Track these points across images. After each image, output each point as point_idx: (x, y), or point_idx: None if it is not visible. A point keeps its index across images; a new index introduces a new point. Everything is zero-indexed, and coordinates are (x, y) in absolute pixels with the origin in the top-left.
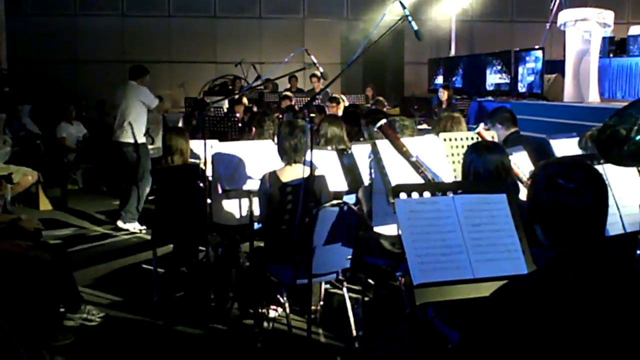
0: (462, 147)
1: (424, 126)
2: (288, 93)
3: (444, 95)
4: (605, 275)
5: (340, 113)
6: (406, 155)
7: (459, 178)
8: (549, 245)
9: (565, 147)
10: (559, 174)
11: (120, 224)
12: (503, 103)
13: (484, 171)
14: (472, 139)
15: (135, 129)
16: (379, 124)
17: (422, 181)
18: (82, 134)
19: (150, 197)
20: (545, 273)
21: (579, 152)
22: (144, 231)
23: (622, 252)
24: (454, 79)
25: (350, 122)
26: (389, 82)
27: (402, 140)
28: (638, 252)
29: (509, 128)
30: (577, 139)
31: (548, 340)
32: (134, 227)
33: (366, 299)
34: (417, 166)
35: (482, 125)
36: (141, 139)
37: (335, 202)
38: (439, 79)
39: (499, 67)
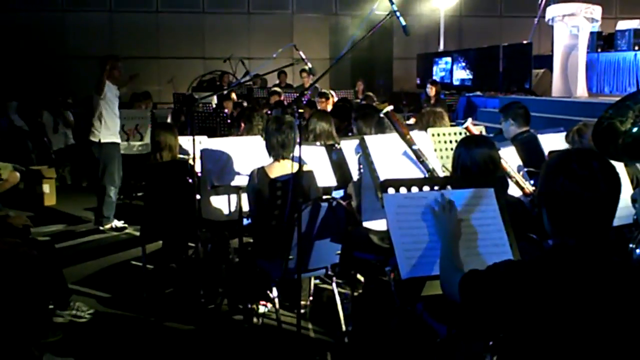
0: (450, 142)
1: (413, 121)
2: (277, 89)
3: (431, 90)
4: (601, 270)
5: (329, 108)
6: (409, 142)
7: (447, 173)
8: (552, 232)
9: (553, 141)
10: (574, 160)
11: (101, 227)
12: (491, 98)
13: (472, 165)
14: (460, 133)
15: (97, 127)
16: (385, 110)
17: (416, 173)
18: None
19: (139, 194)
20: (541, 261)
21: (566, 146)
22: (120, 224)
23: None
24: (442, 74)
25: (339, 117)
26: (378, 77)
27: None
28: (631, 245)
29: (520, 126)
30: (565, 133)
31: (536, 326)
32: (113, 225)
33: (355, 294)
34: (418, 155)
35: (469, 120)
36: (105, 139)
37: (324, 197)
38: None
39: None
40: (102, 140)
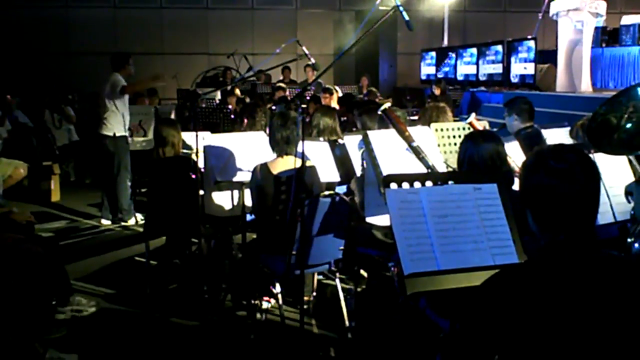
0: (453, 137)
1: (417, 117)
2: (282, 84)
3: (437, 91)
4: (595, 264)
5: (333, 104)
6: (408, 139)
7: (450, 168)
8: (538, 231)
9: (557, 136)
10: (550, 156)
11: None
12: (495, 93)
13: (478, 160)
14: (464, 129)
15: (111, 121)
16: (382, 107)
17: (419, 168)
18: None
19: (143, 190)
20: (535, 262)
21: (570, 141)
22: (140, 217)
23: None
24: (446, 69)
25: (349, 111)
26: (381, 72)
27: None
28: (629, 240)
29: (524, 121)
30: (569, 128)
31: (538, 330)
32: (133, 220)
33: (359, 289)
34: (417, 151)
35: (473, 115)
36: (120, 132)
37: (327, 193)
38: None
39: (492, 58)
40: (117, 134)
